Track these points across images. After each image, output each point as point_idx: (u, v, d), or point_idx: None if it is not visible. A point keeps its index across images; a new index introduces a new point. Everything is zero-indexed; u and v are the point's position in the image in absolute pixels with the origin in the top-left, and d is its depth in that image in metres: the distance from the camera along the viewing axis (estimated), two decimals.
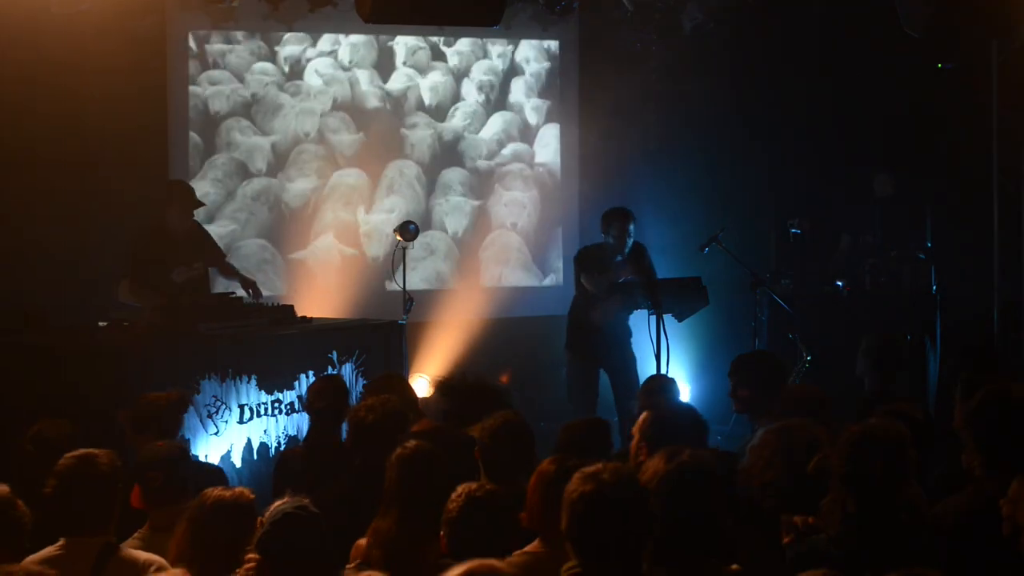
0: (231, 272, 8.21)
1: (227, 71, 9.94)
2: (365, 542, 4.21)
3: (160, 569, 3.99)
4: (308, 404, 5.88)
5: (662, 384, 6.09)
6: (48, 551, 4.05)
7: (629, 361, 8.40)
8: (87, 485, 4.09)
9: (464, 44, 10.58)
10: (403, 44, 10.41)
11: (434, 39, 10.46)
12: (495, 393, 5.64)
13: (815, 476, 3.90)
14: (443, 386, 5.74)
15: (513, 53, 10.74)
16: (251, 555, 3.55)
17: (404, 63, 10.43)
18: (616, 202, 9.89)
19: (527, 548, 3.93)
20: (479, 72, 10.64)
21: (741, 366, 5.94)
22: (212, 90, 9.88)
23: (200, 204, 8.07)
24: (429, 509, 4.05)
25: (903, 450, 3.73)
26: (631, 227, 8.39)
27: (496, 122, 10.69)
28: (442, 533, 3.73)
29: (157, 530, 4.37)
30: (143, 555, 4.14)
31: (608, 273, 8.23)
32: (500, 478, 4.38)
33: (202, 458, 6.49)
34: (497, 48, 10.68)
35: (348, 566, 4.16)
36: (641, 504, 3.33)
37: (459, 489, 3.77)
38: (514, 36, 10.63)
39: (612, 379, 8.44)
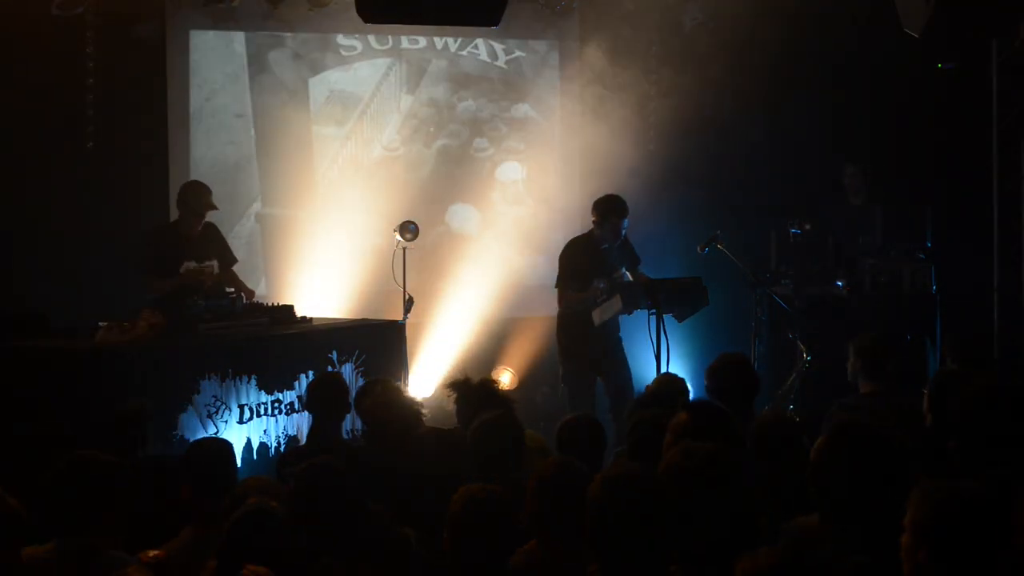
0: (233, 280, 8.18)
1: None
2: None
3: None
4: (307, 402, 5.88)
5: (678, 386, 6.04)
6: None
7: (622, 364, 8.39)
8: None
9: (463, 43, 10.58)
10: (407, 43, 10.43)
11: (434, 38, 10.46)
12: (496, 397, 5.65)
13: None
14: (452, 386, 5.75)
15: (513, 53, 10.73)
16: (211, 563, 3.58)
17: (405, 63, 10.44)
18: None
19: (525, 547, 3.93)
20: (478, 72, 10.63)
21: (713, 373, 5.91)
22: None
23: (213, 207, 8.06)
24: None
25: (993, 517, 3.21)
26: (626, 220, 8.39)
27: (496, 122, 10.68)
28: (444, 534, 3.74)
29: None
30: None
31: (594, 288, 8.17)
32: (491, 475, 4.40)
33: None
34: (497, 48, 10.67)
35: None
36: (662, 506, 3.34)
37: (461, 490, 3.77)
38: (514, 36, 10.62)
39: (606, 383, 8.42)
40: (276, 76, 10.10)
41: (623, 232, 8.40)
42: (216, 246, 8.12)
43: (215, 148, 9.90)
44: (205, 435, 6.64)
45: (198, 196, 7.99)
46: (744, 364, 5.83)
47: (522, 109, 10.75)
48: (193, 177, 9.58)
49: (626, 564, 3.30)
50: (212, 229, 8.19)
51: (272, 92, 10.09)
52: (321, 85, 10.19)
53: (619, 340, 8.47)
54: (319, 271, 10.06)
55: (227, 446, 4.83)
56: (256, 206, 10.04)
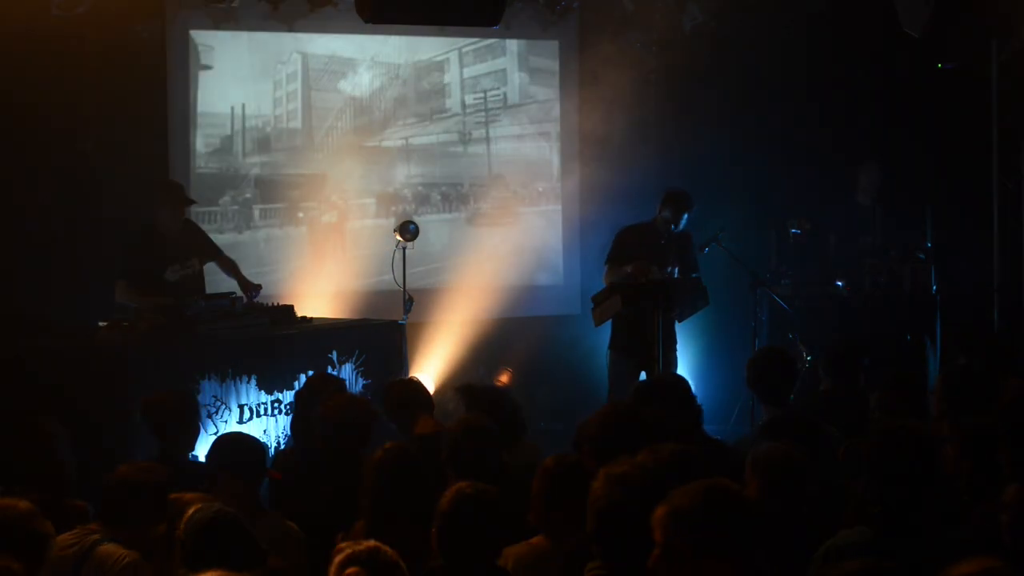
0: (231, 267, 8.17)
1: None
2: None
3: None
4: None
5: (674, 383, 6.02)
6: None
7: (671, 364, 8.29)
8: None
9: (464, 44, 10.57)
10: (405, 44, 10.42)
11: (438, 38, 10.45)
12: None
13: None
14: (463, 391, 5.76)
15: (513, 53, 10.72)
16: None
17: (405, 62, 10.43)
18: (616, 202, 9.94)
19: (531, 540, 3.96)
20: (479, 72, 10.63)
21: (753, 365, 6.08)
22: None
23: (191, 202, 8.07)
24: (407, 514, 4.05)
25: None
26: (685, 215, 8.48)
27: (496, 122, 10.68)
28: (433, 529, 3.74)
29: None
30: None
31: (634, 265, 8.19)
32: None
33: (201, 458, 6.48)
34: (497, 48, 10.66)
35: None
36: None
37: (451, 488, 3.78)
38: (514, 36, 10.61)
39: (648, 376, 8.34)
40: (275, 39, 10.04)
41: (677, 226, 8.45)
42: (198, 242, 8.09)
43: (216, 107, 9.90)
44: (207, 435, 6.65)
45: (176, 194, 7.97)
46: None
47: (520, 109, 10.72)
48: (195, 149, 9.59)
49: (630, 560, 3.30)
50: (191, 226, 8.20)
51: (272, 56, 10.05)
52: (320, 49, 10.17)
53: (673, 341, 8.41)
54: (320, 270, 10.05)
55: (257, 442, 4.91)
56: (255, 169, 10.04)
